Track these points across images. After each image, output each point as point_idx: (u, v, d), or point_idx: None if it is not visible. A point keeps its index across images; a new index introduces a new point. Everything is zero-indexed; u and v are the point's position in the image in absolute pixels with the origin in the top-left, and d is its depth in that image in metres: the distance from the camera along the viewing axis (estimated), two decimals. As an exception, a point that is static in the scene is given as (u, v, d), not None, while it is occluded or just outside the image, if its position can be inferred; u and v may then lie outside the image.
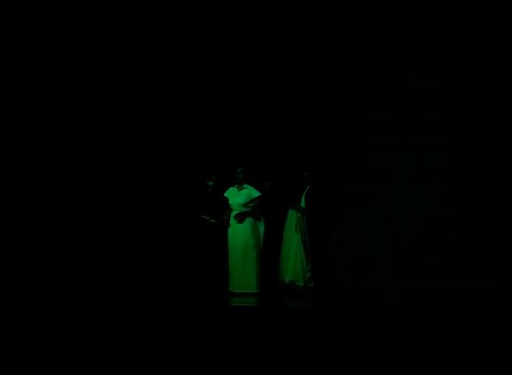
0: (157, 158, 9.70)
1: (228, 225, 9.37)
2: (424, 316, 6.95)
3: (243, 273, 9.08)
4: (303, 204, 9.06)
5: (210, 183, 9.20)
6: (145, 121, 9.57)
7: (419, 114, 9.98)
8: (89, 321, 6.70)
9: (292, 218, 9.15)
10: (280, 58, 9.76)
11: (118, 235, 9.50)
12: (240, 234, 9.30)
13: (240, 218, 9.29)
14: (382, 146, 10.11)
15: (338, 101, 10.05)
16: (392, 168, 10.03)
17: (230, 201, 9.52)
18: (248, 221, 9.32)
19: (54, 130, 9.19)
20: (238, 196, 9.55)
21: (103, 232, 9.44)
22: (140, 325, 6.61)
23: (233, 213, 9.49)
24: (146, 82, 9.45)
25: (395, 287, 9.34)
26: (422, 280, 9.57)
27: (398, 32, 9.70)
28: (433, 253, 9.85)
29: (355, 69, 9.95)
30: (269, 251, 9.13)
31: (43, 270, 8.88)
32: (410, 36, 9.74)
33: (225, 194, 9.52)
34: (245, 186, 9.53)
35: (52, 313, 6.93)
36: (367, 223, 10.09)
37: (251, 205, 9.37)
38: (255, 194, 9.49)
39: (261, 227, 9.45)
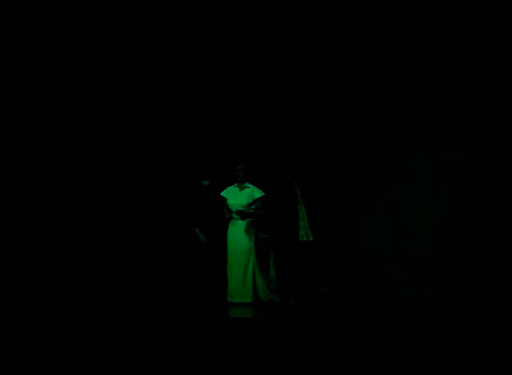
0: (149, 153, 9.49)
1: (224, 230, 8.88)
2: (440, 329, 6.58)
3: (242, 283, 8.58)
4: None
5: (205, 182, 8.71)
6: (140, 119, 9.45)
7: (437, 108, 9.53)
8: (86, 328, 6.68)
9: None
10: (285, 47, 9.49)
11: (113, 240, 9.32)
12: (241, 240, 8.71)
13: (243, 215, 8.70)
14: (395, 144, 9.64)
15: (346, 95, 9.64)
16: (407, 167, 9.59)
17: (230, 202, 8.86)
18: (250, 224, 8.74)
19: (53, 131, 9.13)
20: (239, 196, 8.89)
21: (97, 235, 9.27)
22: (137, 335, 6.51)
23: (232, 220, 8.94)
24: (143, 80, 9.34)
25: (408, 297, 8.91)
26: (438, 289, 9.13)
27: (412, 15, 9.27)
28: (451, 260, 9.42)
29: (365, 57, 9.52)
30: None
31: (38, 272, 8.83)
32: (427, 20, 9.28)
33: (223, 194, 8.89)
34: (247, 185, 8.89)
35: (47, 314, 7.12)
36: (378, 227, 9.64)
37: (253, 207, 8.80)
38: (258, 194, 8.86)
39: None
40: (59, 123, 9.14)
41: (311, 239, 8.53)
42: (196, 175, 8.82)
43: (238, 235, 8.70)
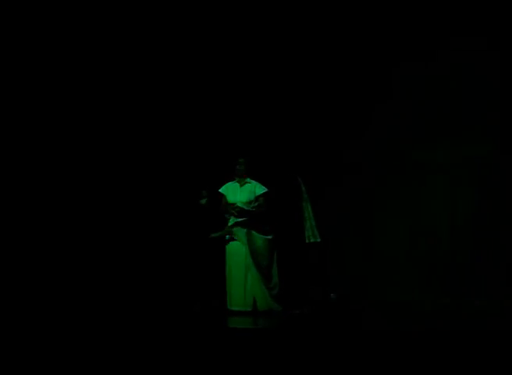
0: (149, 153, 9.36)
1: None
2: (463, 341, 6.20)
3: (242, 289, 8.16)
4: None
5: (203, 201, 8.39)
6: (139, 118, 9.33)
7: (459, 96, 9.10)
8: (83, 333, 6.62)
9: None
10: (296, 34, 9.19)
11: (112, 244, 9.19)
12: (241, 241, 8.24)
13: (241, 213, 8.21)
14: (412, 136, 9.22)
15: (358, 85, 9.25)
16: (426, 163, 9.18)
17: (229, 200, 8.35)
18: (250, 225, 8.27)
19: (52, 131, 9.11)
20: (240, 193, 8.36)
21: (95, 238, 9.17)
22: (133, 344, 6.43)
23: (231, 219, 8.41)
24: (143, 77, 9.27)
25: (426, 305, 8.63)
26: (460, 297, 8.82)
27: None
28: (475, 266, 9.02)
29: (377, 44, 9.16)
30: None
31: (37, 274, 8.87)
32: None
33: (222, 191, 8.43)
34: (248, 180, 8.38)
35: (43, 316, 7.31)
36: (393, 229, 9.25)
37: (255, 204, 8.31)
38: (260, 190, 8.35)
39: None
40: (57, 124, 9.11)
41: (318, 240, 8.27)
42: (191, 194, 8.61)
43: (237, 236, 8.28)
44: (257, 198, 8.28)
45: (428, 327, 7.01)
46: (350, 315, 8.12)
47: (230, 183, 8.40)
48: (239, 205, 8.20)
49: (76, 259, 8.99)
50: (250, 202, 8.26)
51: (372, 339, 6.32)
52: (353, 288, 9.07)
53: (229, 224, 8.23)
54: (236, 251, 8.20)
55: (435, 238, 9.14)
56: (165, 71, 9.25)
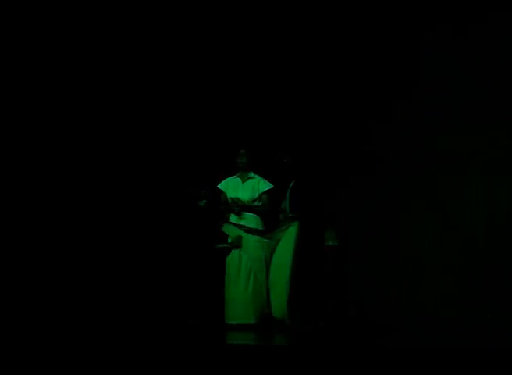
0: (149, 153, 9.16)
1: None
2: (502, 363, 5.80)
3: (243, 300, 7.78)
4: (287, 205, 7.87)
5: (201, 203, 7.95)
6: (139, 118, 9.21)
7: (495, 76, 8.59)
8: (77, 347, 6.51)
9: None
10: (314, 10, 8.89)
11: (102, 252, 9.00)
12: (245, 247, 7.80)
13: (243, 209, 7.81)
14: (442, 122, 8.72)
15: (381, 63, 8.81)
16: (458, 152, 8.70)
17: (230, 197, 7.93)
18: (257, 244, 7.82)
19: (52, 131, 9.04)
20: (241, 189, 7.92)
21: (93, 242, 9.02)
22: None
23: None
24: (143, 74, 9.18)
25: (460, 320, 8.19)
26: (502, 311, 8.28)
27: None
28: None
29: (403, 13, 8.69)
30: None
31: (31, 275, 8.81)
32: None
33: (221, 187, 8.02)
34: (251, 175, 7.95)
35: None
36: (422, 231, 8.75)
37: (259, 203, 7.92)
38: (264, 186, 7.91)
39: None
40: (57, 124, 9.05)
41: (336, 244, 7.93)
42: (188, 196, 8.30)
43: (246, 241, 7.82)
44: (260, 196, 7.87)
45: (465, 346, 6.65)
46: (373, 331, 7.71)
47: (231, 178, 8.03)
48: (240, 203, 7.86)
49: (69, 265, 8.91)
50: (253, 201, 7.87)
51: (398, 360, 6.05)
52: (375, 300, 8.62)
53: (232, 222, 7.85)
54: (235, 256, 7.79)
55: (471, 240, 8.70)
56: (160, 64, 9.15)
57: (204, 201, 7.93)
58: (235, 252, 7.77)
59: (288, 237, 7.76)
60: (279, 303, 7.70)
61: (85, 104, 9.07)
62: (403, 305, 8.56)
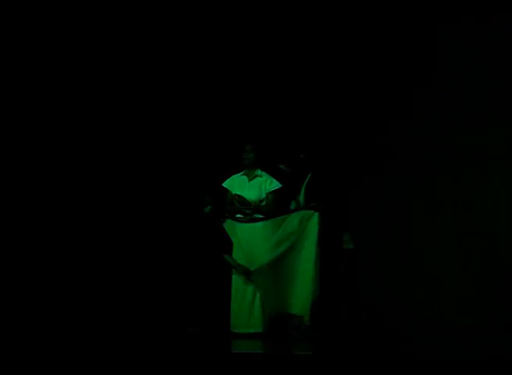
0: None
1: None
2: None
3: (248, 306, 7.43)
4: (302, 199, 7.56)
5: (206, 209, 7.57)
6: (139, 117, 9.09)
7: None
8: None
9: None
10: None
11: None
12: (254, 247, 7.41)
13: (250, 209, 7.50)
14: (460, 116, 8.42)
15: (396, 51, 8.51)
16: (478, 149, 8.39)
17: (236, 195, 7.63)
18: (264, 227, 7.43)
19: (52, 131, 8.95)
20: (248, 188, 7.58)
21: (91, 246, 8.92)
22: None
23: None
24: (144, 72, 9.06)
25: (481, 329, 7.88)
26: None
27: None
28: None
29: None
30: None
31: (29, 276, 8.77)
32: None
33: (226, 185, 7.68)
34: (258, 172, 7.59)
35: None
36: (440, 233, 8.46)
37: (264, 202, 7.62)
38: (271, 186, 7.59)
39: None
40: (57, 124, 8.95)
41: (351, 247, 7.62)
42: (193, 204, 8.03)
43: (253, 237, 7.44)
44: (266, 196, 7.53)
45: (486, 357, 6.38)
46: (386, 339, 7.46)
47: (237, 175, 7.68)
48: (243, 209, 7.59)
49: (71, 269, 8.82)
50: (260, 201, 7.52)
51: (414, 370, 5.98)
52: (388, 306, 8.34)
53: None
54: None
55: (492, 243, 8.42)
56: (162, 58, 9.00)
57: (209, 207, 7.63)
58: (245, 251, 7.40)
59: (310, 230, 7.39)
60: (300, 299, 7.39)
61: (87, 104, 9.01)
62: (418, 312, 8.29)
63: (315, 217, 7.30)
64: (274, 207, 7.48)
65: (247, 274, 7.33)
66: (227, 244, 7.50)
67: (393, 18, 8.50)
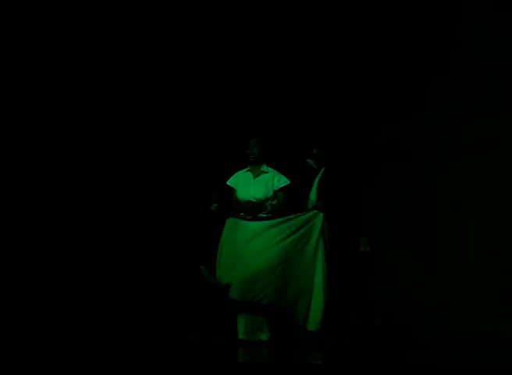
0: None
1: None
2: None
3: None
4: (314, 196, 7.19)
5: (213, 206, 7.25)
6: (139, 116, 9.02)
7: None
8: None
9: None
10: None
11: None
12: (258, 251, 6.99)
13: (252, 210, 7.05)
14: (482, 106, 7.89)
15: (407, 38, 8.15)
16: (502, 143, 7.83)
17: (239, 195, 7.14)
18: (271, 227, 7.02)
19: (52, 130, 8.92)
20: (254, 186, 7.12)
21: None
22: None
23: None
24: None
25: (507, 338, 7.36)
26: None
27: None
28: None
29: None
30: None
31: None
32: None
33: (231, 183, 7.29)
34: (264, 169, 7.17)
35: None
36: (459, 233, 8.04)
37: (273, 202, 7.13)
38: (280, 183, 7.12)
39: None
40: (57, 123, 8.93)
41: (368, 250, 7.33)
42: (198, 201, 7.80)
43: (255, 240, 7.04)
44: (275, 194, 7.07)
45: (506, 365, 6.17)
46: (402, 347, 7.09)
47: (241, 172, 7.20)
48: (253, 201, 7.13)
49: (69, 272, 8.77)
50: (266, 199, 7.06)
51: None
52: (405, 311, 7.98)
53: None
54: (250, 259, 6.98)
55: None
56: (163, 52, 8.91)
57: (215, 204, 7.28)
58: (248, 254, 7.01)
59: (312, 232, 7.02)
60: (303, 309, 7.03)
61: (87, 97, 8.91)
62: (436, 316, 7.88)
63: (320, 218, 6.95)
64: (285, 205, 7.06)
65: (218, 288, 6.98)
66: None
67: (408, 3, 8.19)
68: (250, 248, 6.93)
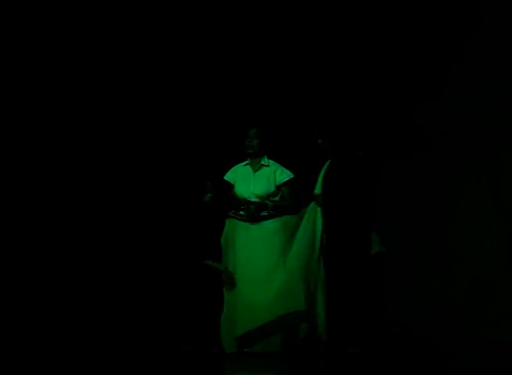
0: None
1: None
2: None
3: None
4: (318, 191, 6.72)
5: (207, 197, 6.83)
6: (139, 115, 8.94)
7: None
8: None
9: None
10: None
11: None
12: (259, 253, 6.57)
13: (255, 210, 6.59)
14: (505, 96, 7.16)
15: (428, 21, 7.62)
16: None
17: (238, 191, 6.71)
18: (274, 230, 6.60)
19: (52, 130, 8.96)
20: (254, 181, 6.68)
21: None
22: None
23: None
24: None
25: None
26: None
27: None
28: None
29: None
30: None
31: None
32: None
33: (228, 178, 6.87)
34: (265, 161, 6.73)
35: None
36: (483, 231, 7.37)
37: (275, 198, 6.68)
38: (282, 177, 6.68)
39: None
40: (57, 122, 8.95)
41: (383, 250, 6.84)
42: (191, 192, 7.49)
43: (255, 243, 6.61)
44: (279, 189, 6.63)
45: None
46: (422, 356, 6.60)
47: (240, 165, 6.77)
48: (252, 199, 6.67)
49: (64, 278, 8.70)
50: (268, 195, 6.62)
51: None
52: (425, 320, 7.48)
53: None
54: (249, 262, 6.57)
55: None
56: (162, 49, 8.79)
57: (209, 195, 6.82)
58: (249, 257, 6.58)
59: (310, 230, 6.55)
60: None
61: (83, 91, 8.84)
62: (457, 325, 7.33)
63: (317, 214, 6.49)
64: (290, 201, 6.62)
65: (231, 282, 6.57)
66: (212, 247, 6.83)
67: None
68: (250, 259, 6.53)
